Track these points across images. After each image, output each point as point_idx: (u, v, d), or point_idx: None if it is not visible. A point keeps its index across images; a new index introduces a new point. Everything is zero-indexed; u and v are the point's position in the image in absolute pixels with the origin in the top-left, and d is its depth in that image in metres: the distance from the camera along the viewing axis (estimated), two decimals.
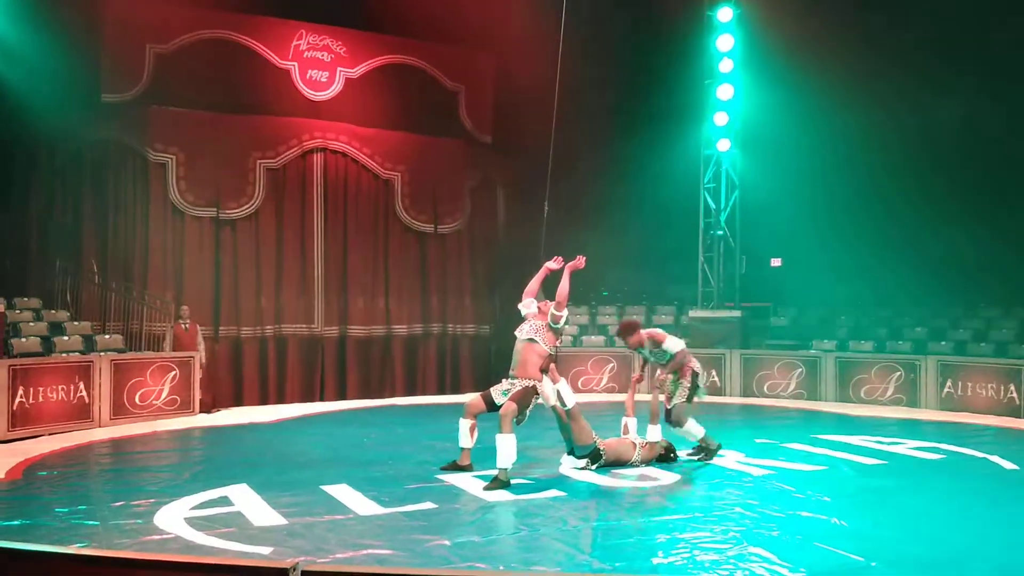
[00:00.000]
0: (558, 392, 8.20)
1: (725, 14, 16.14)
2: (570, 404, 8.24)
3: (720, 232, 16.57)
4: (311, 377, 14.61)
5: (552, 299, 8.12)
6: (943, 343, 14.57)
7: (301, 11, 14.51)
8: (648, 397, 9.15)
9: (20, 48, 12.07)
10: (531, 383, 7.96)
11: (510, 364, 8.15)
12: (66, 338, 12.05)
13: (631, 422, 8.84)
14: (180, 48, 13.55)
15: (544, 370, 8.11)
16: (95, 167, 13.23)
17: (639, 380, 9.21)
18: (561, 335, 8.42)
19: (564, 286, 8.06)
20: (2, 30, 12.10)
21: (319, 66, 14.60)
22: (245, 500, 7.20)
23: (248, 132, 14.13)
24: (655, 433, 8.69)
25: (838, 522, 6.59)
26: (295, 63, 14.43)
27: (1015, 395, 12.58)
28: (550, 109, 14.67)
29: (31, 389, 10.72)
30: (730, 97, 16.25)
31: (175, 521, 6.54)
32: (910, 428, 11.62)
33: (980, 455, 9.41)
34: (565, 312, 8.08)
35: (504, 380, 8.12)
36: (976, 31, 14.65)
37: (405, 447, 9.91)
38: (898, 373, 13.87)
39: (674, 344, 8.86)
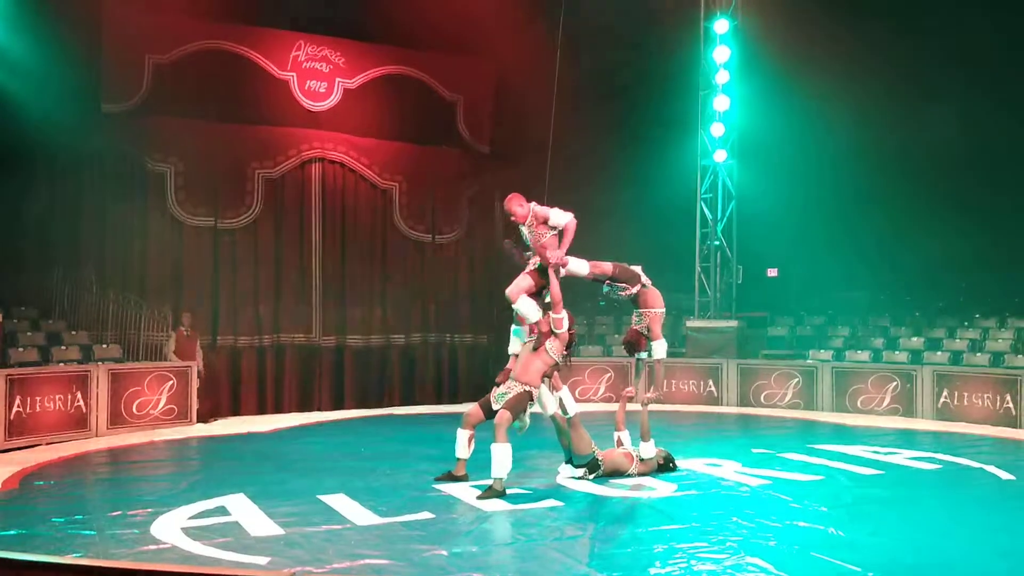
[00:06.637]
0: (560, 400, 8.20)
1: (721, 26, 16.23)
2: (571, 413, 8.24)
3: (717, 242, 16.62)
4: (309, 386, 14.59)
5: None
6: (939, 353, 14.59)
7: (300, 22, 14.54)
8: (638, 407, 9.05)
9: (20, 58, 12.09)
10: (528, 388, 7.93)
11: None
12: (64, 348, 12.06)
13: (624, 436, 8.81)
14: (179, 58, 13.57)
15: (547, 376, 8.09)
16: (94, 176, 13.24)
17: (631, 395, 9.07)
18: (573, 343, 8.34)
19: (554, 288, 8.06)
20: (2, 39, 12.12)
21: (317, 77, 14.63)
22: (242, 510, 7.20)
23: (247, 142, 14.16)
24: (648, 449, 8.67)
25: (835, 532, 6.60)
26: (294, 74, 14.47)
27: (1011, 405, 12.60)
28: (548, 119, 14.71)
29: (28, 399, 10.72)
30: (726, 108, 16.33)
31: (172, 531, 6.54)
32: (906, 438, 11.64)
33: (976, 465, 9.43)
34: (563, 314, 8.05)
35: (503, 383, 8.10)
36: (973, 38, 14.71)
37: (402, 457, 9.91)
38: (894, 383, 13.89)
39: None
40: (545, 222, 8.09)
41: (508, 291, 8.19)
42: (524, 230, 8.21)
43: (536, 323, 8.11)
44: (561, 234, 8.11)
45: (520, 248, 8.46)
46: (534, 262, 8.26)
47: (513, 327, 8.42)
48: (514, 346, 8.36)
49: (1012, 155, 15.37)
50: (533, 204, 8.17)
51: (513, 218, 8.20)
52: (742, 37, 16.25)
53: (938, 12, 14.92)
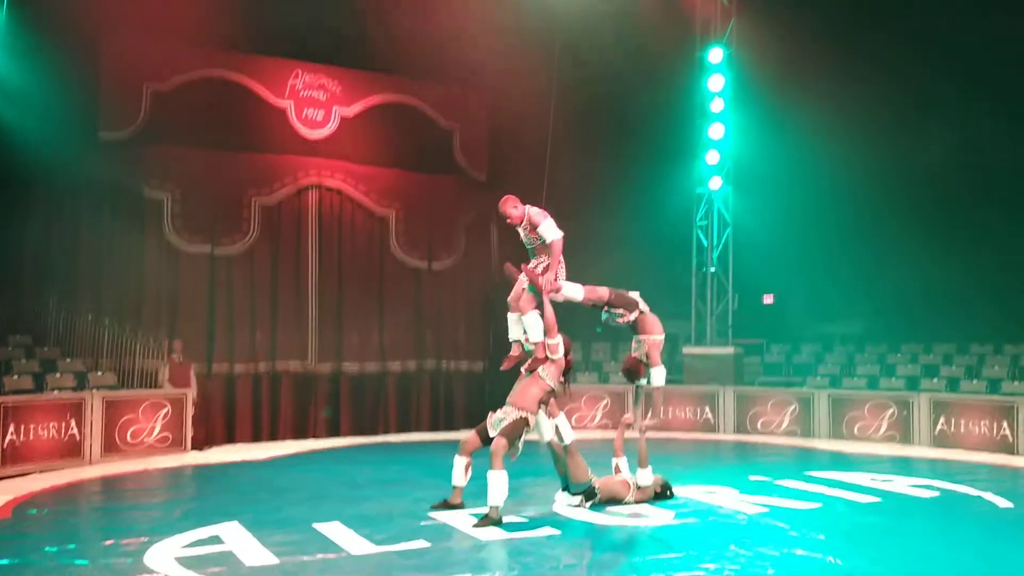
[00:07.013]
0: (556, 427, 8.16)
1: (716, 55, 16.40)
2: (568, 440, 8.19)
3: (713, 269, 16.68)
4: (304, 414, 14.55)
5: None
6: (936, 380, 14.59)
7: (297, 51, 14.66)
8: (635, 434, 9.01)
9: (18, 86, 12.16)
10: (524, 414, 7.89)
11: (505, 400, 8.12)
12: (58, 375, 12.01)
13: (622, 462, 8.78)
14: (177, 87, 13.64)
15: (544, 403, 8.06)
16: (91, 204, 13.26)
17: (629, 422, 9.04)
18: (570, 369, 8.31)
19: (548, 313, 8.05)
20: (0, 67, 12.19)
21: (315, 105, 14.72)
22: (236, 539, 7.14)
23: (244, 170, 14.21)
24: (646, 477, 8.63)
25: (833, 560, 6.56)
26: (291, 102, 14.56)
27: (1008, 432, 12.59)
28: (544, 147, 14.81)
29: (22, 426, 10.67)
30: (721, 136, 16.46)
31: (166, 560, 6.48)
32: (903, 465, 11.61)
33: (974, 492, 9.40)
34: (558, 338, 8.03)
35: (500, 409, 8.08)
36: (972, 58, 14.79)
37: (398, 485, 9.85)
38: (891, 410, 13.88)
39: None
40: (535, 228, 8.08)
41: (517, 300, 8.14)
42: (521, 232, 8.22)
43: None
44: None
45: (519, 272, 8.41)
46: (523, 280, 8.19)
47: (509, 313, 8.37)
48: (513, 332, 8.31)
49: (1010, 182, 15.43)
50: (528, 207, 8.13)
51: (509, 220, 8.18)
52: (736, 65, 16.40)
53: (936, 33, 15.00)
